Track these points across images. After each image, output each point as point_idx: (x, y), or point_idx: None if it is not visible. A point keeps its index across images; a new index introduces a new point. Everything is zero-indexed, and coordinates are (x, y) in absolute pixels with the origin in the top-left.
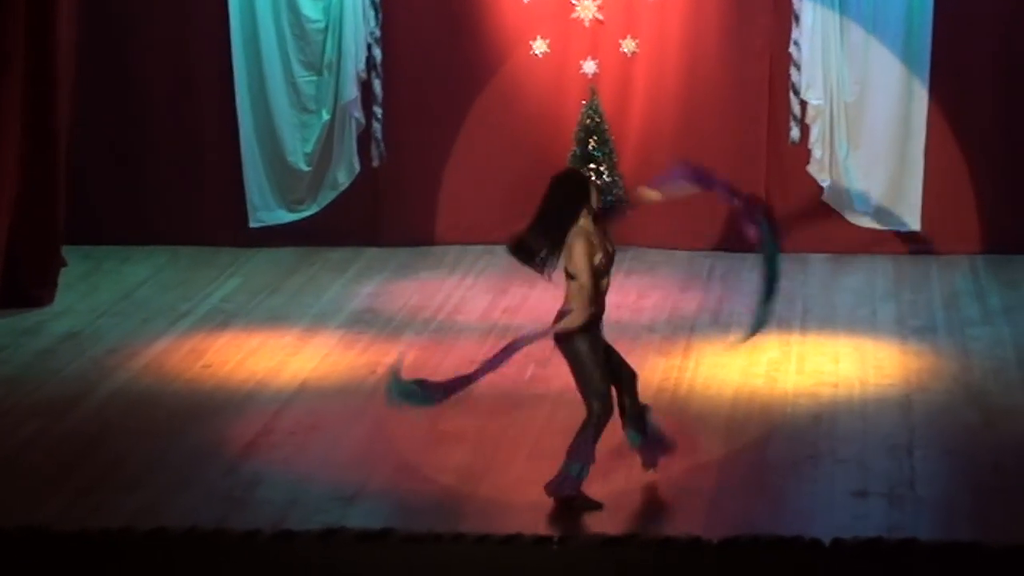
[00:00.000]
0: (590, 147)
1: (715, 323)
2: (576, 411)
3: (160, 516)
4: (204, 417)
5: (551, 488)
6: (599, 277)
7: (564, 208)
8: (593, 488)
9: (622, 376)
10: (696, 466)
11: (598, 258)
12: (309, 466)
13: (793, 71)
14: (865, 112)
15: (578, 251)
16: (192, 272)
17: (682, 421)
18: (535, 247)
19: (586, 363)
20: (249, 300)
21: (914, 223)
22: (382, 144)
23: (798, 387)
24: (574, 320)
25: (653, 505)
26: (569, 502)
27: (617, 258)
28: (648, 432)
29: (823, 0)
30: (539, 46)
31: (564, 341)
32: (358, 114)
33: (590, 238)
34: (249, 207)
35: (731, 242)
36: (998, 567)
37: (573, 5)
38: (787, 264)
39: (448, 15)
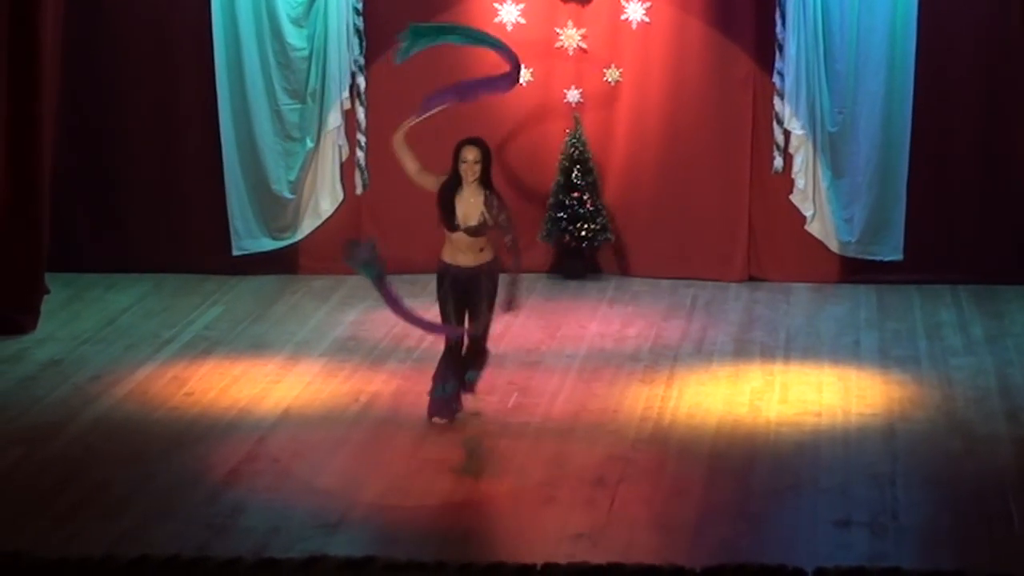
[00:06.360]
0: (574, 176)
1: (698, 352)
2: (559, 440)
3: (142, 543)
4: (187, 444)
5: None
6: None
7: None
8: (575, 517)
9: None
10: (679, 495)
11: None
12: (292, 494)
13: (776, 100)
14: (848, 141)
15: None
16: (175, 300)
17: (665, 450)
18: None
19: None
20: (232, 328)
21: (897, 252)
22: (366, 172)
23: (781, 416)
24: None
25: (636, 534)
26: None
27: (600, 287)
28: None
29: (806, 30)
30: (523, 75)
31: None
32: (342, 142)
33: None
34: (232, 235)
35: (714, 271)
36: None
37: (557, 34)
38: (770, 293)
39: None
